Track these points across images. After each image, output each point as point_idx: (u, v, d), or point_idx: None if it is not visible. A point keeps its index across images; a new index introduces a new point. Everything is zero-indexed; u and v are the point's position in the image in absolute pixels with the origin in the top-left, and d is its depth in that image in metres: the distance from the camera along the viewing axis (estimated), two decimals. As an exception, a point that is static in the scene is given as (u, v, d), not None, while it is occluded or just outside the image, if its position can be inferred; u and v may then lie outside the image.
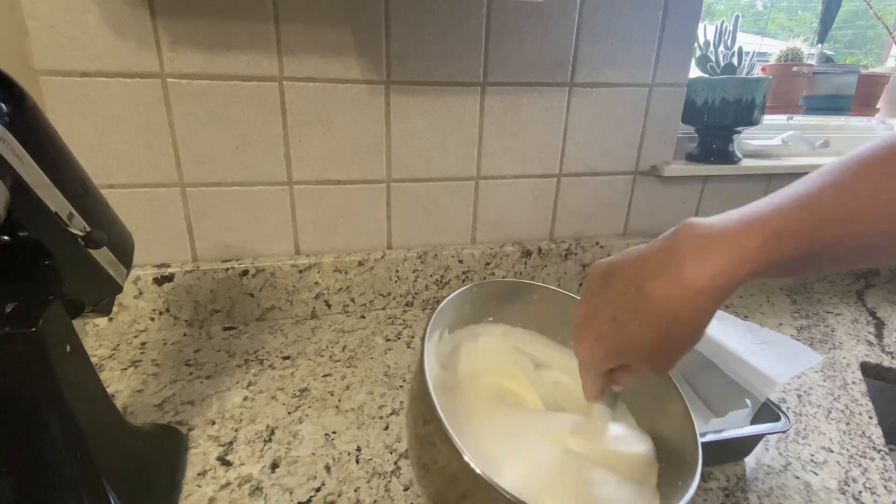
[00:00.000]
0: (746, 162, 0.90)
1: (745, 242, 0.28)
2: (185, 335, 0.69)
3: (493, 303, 0.49)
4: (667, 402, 0.41)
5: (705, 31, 0.88)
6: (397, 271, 0.78)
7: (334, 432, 0.52)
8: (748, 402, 0.50)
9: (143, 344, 0.67)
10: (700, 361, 0.56)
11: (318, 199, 0.73)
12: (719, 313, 0.60)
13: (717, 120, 0.85)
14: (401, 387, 0.60)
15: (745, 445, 0.51)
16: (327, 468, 0.48)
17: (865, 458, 0.52)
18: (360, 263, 0.75)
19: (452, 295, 0.44)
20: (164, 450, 0.47)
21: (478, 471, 0.28)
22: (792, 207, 0.28)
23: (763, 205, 0.29)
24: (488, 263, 0.82)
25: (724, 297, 0.28)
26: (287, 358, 0.65)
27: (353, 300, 0.77)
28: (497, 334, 0.50)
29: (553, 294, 0.49)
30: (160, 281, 0.68)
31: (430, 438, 0.33)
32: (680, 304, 0.28)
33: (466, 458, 0.29)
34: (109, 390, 0.57)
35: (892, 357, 0.72)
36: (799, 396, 0.62)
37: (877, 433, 0.56)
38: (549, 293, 0.49)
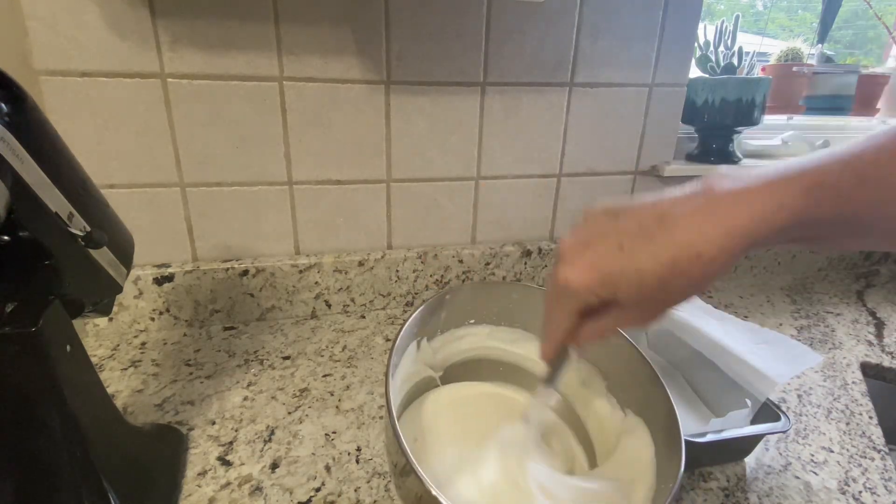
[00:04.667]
0: (746, 162, 0.90)
1: (786, 190, 0.26)
2: (185, 335, 0.69)
3: (470, 306, 0.50)
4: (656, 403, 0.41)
5: (705, 31, 0.88)
6: (397, 271, 0.78)
7: (334, 432, 0.52)
8: (748, 402, 0.50)
9: (143, 344, 0.67)
10: (700, 361, 0.56)
11: (318, 199, 0.73)
12: (719, 313, 0.60)
13: (717, 120, 0.85)
14: (401, 387, 0.60)
15: (745, 445, 0.50)
16: (327, 468, 0.48)
17: (865, 458, 0.52)
18: (360, 263, 0.75)
19: (422, 306, 0.44)
20: (164, 450, 0.47)
21: (442, 500, 0.29)
22: (832, 163, 0.27)
23: (801, 161, 0.28)
24: (488, 263, 0.82)
25: (756, 243, 0.26)
26: (287, 358, 0.65)
27: (353, 300, 0.77)
28: (482, 335, 0.51)
29: (531, 291, 0.50)
30: (160, 281, 0.68)
31: (398, 456, 0.33)
32: (707, 240, 0.26)
33: (428, 486, 0.29)
34: (109, 390, 0.57)
35: (892, 357, 0.72)
36: (799, 396, 0.62)
37: (877, 433, 0.56)
38: (527, 290, 0.50)
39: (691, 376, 0.59)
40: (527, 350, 0.52)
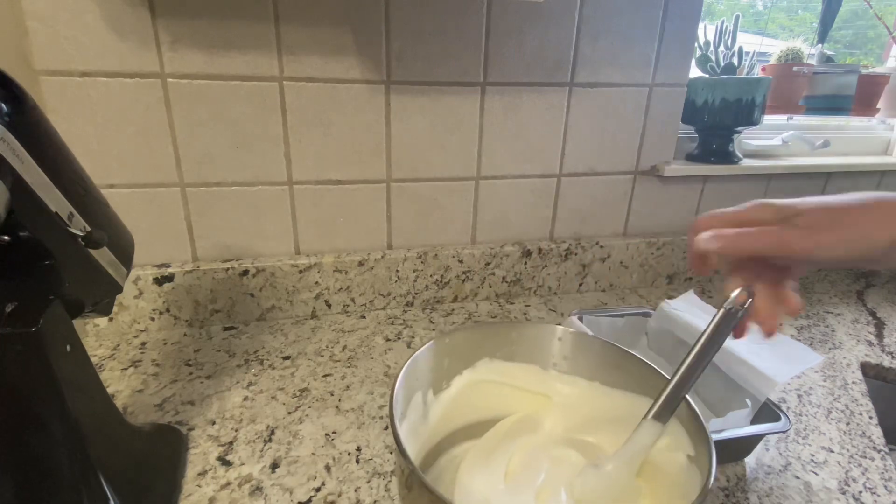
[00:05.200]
0: (747, 162, 0.90)
1: None
2: (185, 335, 0.69)
3: (476, 348, 0.46)
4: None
5: (705, 31, 0.88)
6: (397, 271, 0.78)
7: (334, 432, 0.52)
8: (748, 402, 0.50)
9: (144, 344, 0.67)
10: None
11: (318, 199, 0.73)
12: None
13: (717, 120, 0.85)
14: (401, 387, 0.60)
15: (745, 445, 0.50)
16: (327, 468, 0.48)
17: (865, 458, 0.52)
18: (360, 263, 0.75)
19: (417, 353, 0.40)
20: (164, 450, 0.47)
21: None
22: None
23: None
24: (488, 263, 0.82)
25: None
26: (287, 358, 0.65)
27: (353, 300, 0.77)
28: (496, 370, 0.47)
29: (533, 327, 0.47)
30: (160, 281, 0.68)
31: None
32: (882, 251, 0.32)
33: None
34: (109, 390, 0.57)
35: (892, 357, 0.72)
36: (799, 396, 0.62)
37: (877, 433, 0.56)
38: (527, 327, 0.47)
39: (691, 376, 0.59)
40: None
